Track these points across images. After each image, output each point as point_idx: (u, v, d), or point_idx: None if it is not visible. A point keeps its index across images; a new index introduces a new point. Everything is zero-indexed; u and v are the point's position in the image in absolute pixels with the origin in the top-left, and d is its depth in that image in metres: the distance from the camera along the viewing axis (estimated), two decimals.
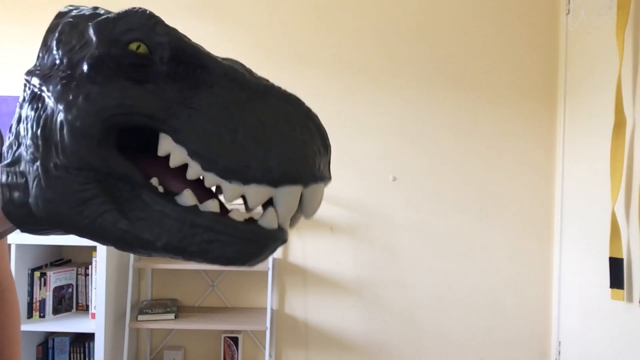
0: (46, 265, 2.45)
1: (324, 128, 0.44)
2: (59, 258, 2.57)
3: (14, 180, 0.43)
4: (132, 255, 2.49)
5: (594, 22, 2.32)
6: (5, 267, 0.89)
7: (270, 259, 2.51)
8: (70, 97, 0.42)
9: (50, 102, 0.43)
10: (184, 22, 2.65)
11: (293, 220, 0.46)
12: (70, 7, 0.50)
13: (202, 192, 0.46)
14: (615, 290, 2.03)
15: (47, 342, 2.40)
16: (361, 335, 2.68)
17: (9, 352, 0.84)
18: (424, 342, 2.68)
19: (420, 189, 2.67)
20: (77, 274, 2.47)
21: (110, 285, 2.29)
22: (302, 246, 2.67)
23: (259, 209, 0.45)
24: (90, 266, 2.39)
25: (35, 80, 0.46)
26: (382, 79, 2.67)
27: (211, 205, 0.43)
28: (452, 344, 2.68)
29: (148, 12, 0.45)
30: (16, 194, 0.43)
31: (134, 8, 0.46)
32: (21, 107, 0.46)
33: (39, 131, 0.42)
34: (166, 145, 0.43)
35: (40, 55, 0.48)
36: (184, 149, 0.42)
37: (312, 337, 2.68)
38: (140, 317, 2.39)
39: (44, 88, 0.44)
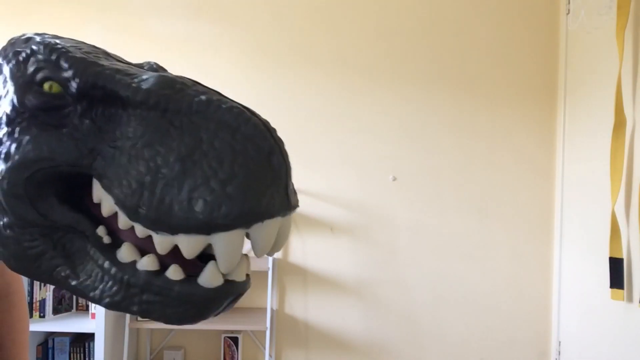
0: None
1: (272, 151, 0.36)
2: None
3: None
4: None
5: (594, 22, 2.32)
6: None
7: (270, 259, 2.51)
8: None
9: None
10: (183, 22, 2.65)
11: (262, 254, 0.40)
12: (10, 42, 0.46)
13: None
14: (615, 290, 2.03)
15: (47, 342, 2.40)
16: (361, 335, 2.68)
17: (16, 355, 0.84)
18: (424, 342, 2.68)
19: (420, 189, 2.67)
20: None
21: None
22: (302, 246, 2.67)
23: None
24: None
25: None
26: (383, 79, 2.67)
27: (146, 264, 0.39)
28: (452, 344, 2.68)
29: (51, 44, 0.41)
30: None
31: (39, 42, 0.42)
32: None
33: None
34: (97, 192, 0.40)
35: None
36: (110, 196, 0.38)
37: (312, 337, 2.68)
38: (140, 317, 2.39)
39: None
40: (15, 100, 0.41)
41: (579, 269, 2.42)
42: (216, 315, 0.40)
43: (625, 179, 2.02)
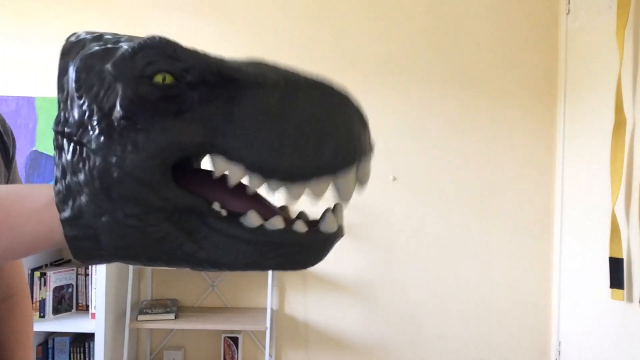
0: (46, 265, 2.45)
1: (359, 106, 0.48)
2: (59, 258, 2.57)
3: (81, 232, 0.44)
4: None
5: (594, 22, 2.32)
6: (18, 271, 0.89)
7: None
8: (119, 150, 0.42)
9: (96, 156, 0.43)
10: (183, 22, 2.65)
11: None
12: (73, 41, 0.48)
13: (261, 207, 0.48)
14: (615, 290, 2.03)
15: (47, 342, 2.40)
16: (361, 335, 2.68)
17: (19, 356, 0.85)
18: (423, 342, 2.68)
19: (420, 189, 2.67)
20: (77, 274, 2.47)
21: (110, 285, 2.29)
22: None
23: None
24: (90, 266, 2.39)
25: (70, 131, 0.45)
26: (382, 78, 2.67)
27: (277, 223, 0.45)
28: (452, 344, 2.68)
29: (164, 39, 0.44)
30: (85, 244, 0.44)
31: (149, 38, 0.45)
32: (61, 159, 0.45)
33: (97, 186, 0.43)
34: (220, 166, 0.44)
35: (62, 103, 0.47)
36: (241, 164, 0.43)
37: (312, 337, 2.68)
38: (140, 317, 2.39)
39: (83, 140, 0.44)
40: (130, 94, 0.43)
41: (579, 269, 2.42)
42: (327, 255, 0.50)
43: (625, 179, 2.02)
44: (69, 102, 0.46)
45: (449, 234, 2.67)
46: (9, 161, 0.81)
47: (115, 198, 0.42)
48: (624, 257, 2.01)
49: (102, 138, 0.43)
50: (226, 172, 0.44)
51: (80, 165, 0.44)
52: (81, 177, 0.43)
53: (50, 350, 2.39)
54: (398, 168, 2.67)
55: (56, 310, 2.38)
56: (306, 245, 0.46)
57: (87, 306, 2.45)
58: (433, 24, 2.67)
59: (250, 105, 0.43)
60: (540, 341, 2.68)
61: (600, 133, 2.21)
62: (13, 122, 2.60)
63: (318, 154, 0.43)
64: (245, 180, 0.45)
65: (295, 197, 0.44)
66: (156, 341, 2.69)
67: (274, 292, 2.66)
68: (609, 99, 2.12)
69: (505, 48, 2.67)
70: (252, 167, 0.43)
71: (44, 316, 2.33)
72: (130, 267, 2.45)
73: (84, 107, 0.45)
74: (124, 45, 0.46)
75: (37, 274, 2.33)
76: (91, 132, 0.44)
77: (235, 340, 2.56)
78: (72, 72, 0.47)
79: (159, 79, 0.43)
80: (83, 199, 0.43)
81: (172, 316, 2.40)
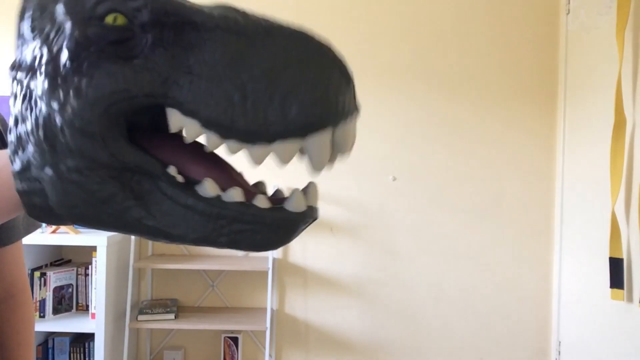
0: (46, 265, 2.45)
1: (341, 60, 0.40)
2: (59, 258, 2.57)
3: (30, 186, 0.41)
4: (132, 255, 2.49)
5: (594, 22, 2.32)
6: (20, 270, 0.89)
7: (270, 259, 2.51)
8: (61, 95, 0.39)
9: (41, 101, 0.40)
10: None
11: (330, 160, 0.43)
12: None
13: (223, 175, 0.43)
14: (615, 290, 2.03)
15: (47, 342, 2.40)
16: (361, 335, 2.68)
17: (20, 356, 0.84)
18: (423, 342, 2.68)
19: (420, 189, 2.67)
20: (77, 274, 2.47)
21: (110, 285, 2.29)
22: (302, 246, 2.67)
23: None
24: (90, 266, 2.39)
25: (21, 76, 0.42)
26: (382, 79, 2.67)
27: (235, 195, 0.40)
28: (452, 344, 2.68)
29: None
30: (36, 199, 0.41)
31: None
32: (15, 107, 0.42)
33: (41, 135, 0.40)
34: (176, 120, 0.39)
35: (18, 46, 0.44)
36: (196, 120, 0.38)
37: (312, 337, 2.68)
38: (140, 317, 2.39)
39: (31, 85, 0.41)
40: (77, 35, 0.40)
41: (579, 269, 2.42)
42: (293, 239, 0.43)
43: (625, 179, 2.02)
44: (23, 45, 0.43)
45: (449, 234, 2.67)
46: None
47: (59, 149, 0.39)
48: (624, 257, 2.01)
49: (46, 82, 0.40)
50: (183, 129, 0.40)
51: (28, 112, 0.41)
52: (28, 125, 0.40)
53: (50, 350, 2.39)
54: (398, 168, 2.67)
55: (56, 310, 2.38)
56: (266, 223, 0.40)
57: (87, 306, 2.45)
58: (432, 24, 2.67)
59: (209, 52, 0.38)
60: (540, 341, 2.68)
61: (600, 133, 2.22)
62: None
63: (284, 111, 0.37)
64: (203, 139, 0.40)
65: (257, 160, 0.39)
66: (156, 341, 2.69)
67: (274, 292, 2.66)
68: (609, 99, 2.12)
69: (505, 48, 2.67)
70: (208, 124, 0.38)
71: (44, 316, 2.33)
72: (130, 267, 2.45)
73: (35, 51, 0.42)
74: None
75: (37, 274, 2.33)
76: (38, 77, 0.40)
77: (235, 340, 2.57)
78: (27, 13, 0.44)
79: (110, 19, 0.39)
80: (30, 148, 0.40)
81: (172, 316, 2.40)
